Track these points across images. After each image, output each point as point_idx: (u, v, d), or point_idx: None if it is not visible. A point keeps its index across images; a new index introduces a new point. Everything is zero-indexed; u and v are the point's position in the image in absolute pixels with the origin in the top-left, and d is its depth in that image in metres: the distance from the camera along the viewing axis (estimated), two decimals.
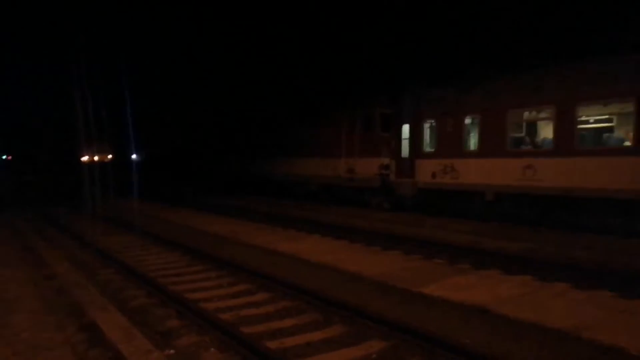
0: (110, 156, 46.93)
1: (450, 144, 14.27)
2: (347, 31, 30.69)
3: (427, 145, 15.29)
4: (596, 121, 11.90)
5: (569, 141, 11.34)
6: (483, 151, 13.39)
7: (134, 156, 37.55)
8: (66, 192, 30.65)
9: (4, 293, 6.96)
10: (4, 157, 57.61)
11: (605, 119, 11.83)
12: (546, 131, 12.47)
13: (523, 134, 13.23)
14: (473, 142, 14.04)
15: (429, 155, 15.02)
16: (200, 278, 8.22)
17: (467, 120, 13.99)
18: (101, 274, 8.54)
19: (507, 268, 7.95)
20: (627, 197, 10.30)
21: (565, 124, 11.42)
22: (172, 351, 5.04)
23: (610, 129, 11.77)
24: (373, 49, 28.94)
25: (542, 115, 12.37)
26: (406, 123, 15.96)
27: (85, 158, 46.74)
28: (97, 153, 45.46)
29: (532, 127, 13.11)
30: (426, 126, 15.29)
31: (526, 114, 12.77)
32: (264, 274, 7.81)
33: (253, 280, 7.78)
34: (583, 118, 11.62)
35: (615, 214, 10.71)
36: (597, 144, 11.64)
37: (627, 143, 10.76)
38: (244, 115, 30.98)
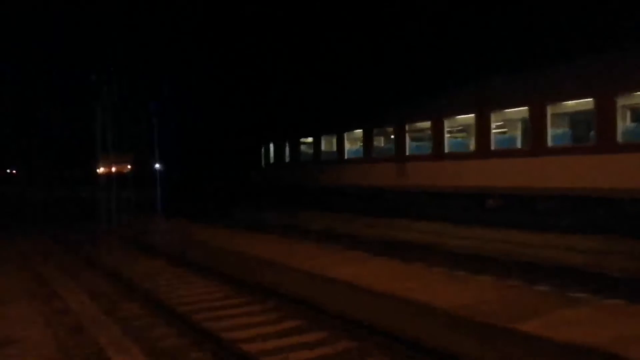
0: (129, 166, 49.29)
1: None
2: None
3: None
4: None
5: None
6: None
7: (157, 165, 39.26)
8: (80, 210, 32.26)
9: (9, 333, 7.42)
10: (8, 170, 61.18)
11: None
12: None
13: None
14: None
15: None
16: (241, 313, 8.54)
17: None
18: (123, 309, 8.99)
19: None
20: None
21: None
22: None
23: None
24: None
25: None
26: None
27: (101, 170, 49.32)
28: (115, 163, 47.96)
29: None
30: None
31: None
32: (317, 307, 8.03)
33: (304, 315, 8.01)
34: None
35: None
36: None
37: None
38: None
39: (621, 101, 14.37)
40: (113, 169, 48.48)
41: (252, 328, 7.73)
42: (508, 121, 18.55)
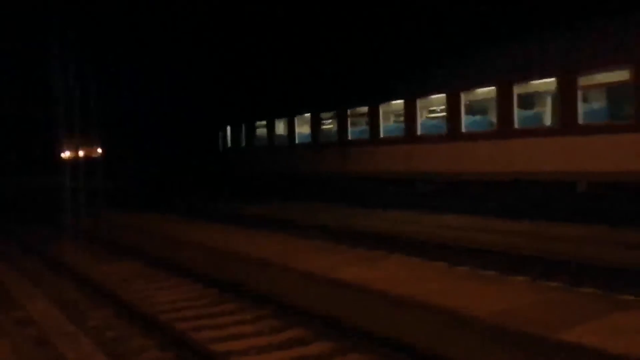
0: (99, 150, 48.28)
1: None
2: None
3: None
4: None
5: None
6: None
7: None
8: (42, 202, 31.73)
9: None
10: None
11: None
12: None
13: None
14: None
15: None
16: (233, 321, 8.12)
17: None
18: (95, 317, 8.54)
19: None
20: None
21: None
22: None
23: None
24: None
25: None
26: None
27: (66, 154, 48.03)
28: (82, 146, 46.83)
29: None
30: None
31: None
32: (322, 315, 7.57)
33: (307, 324, 7.57)
34: None
35: None
36: None
37: None
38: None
39: (517, 89, 16.47)
40: (81, 153, 47.58)
41: (246, 338, 7.27)
42: (436, 108, 20.53)
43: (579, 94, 14.93)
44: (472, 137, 18.05)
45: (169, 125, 41.11)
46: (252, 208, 24.29)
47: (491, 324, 6.78)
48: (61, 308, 8.74)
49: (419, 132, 20.01)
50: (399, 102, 21.16)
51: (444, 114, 19.31)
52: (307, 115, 26.13)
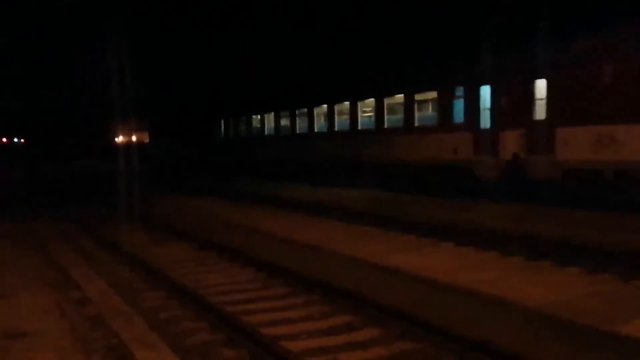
0: (147, 136, 49.95)
1: None
2: None
3: None
4: None
5: None
6: None
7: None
8: (98, 185, 32.70)
9: (24, 324, 7.31)
10: (15, 140, 62.68)
11: None
12: None
13: None
14: None
15: None
16: (283, 306, 8.28)
17: None
18: (148, 299, 8.85)
19: None
20: None
21: None
22: None
23: None
24: None
25: None
26: None
27: (120, 139, 49.47)
28: (136, 131, 48.52)
29: None
30: None
31: None
32: (372, 302, 7.68)
33: (356, 310, 7.69)
34: None
35: None
36: None
37: None
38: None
39: (417, 97, 22.80)
40: (133, 139, 49.13)
41: (296, 323, 7.46)
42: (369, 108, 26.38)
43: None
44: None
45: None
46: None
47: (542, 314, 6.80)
48: (116, 289, 9.06)
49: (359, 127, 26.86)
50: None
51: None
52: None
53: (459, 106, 20.50)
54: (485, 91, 19.18)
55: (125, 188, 26.93)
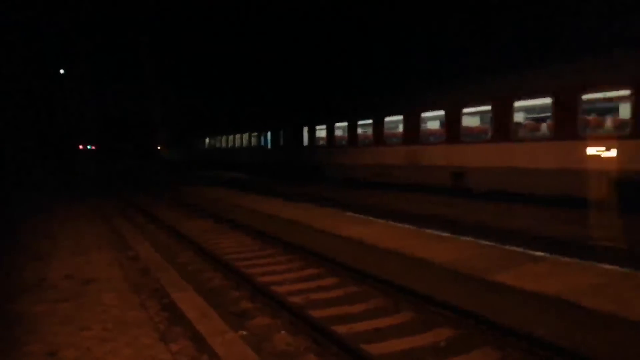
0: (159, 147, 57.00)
1: None
2: None
3: None
4: None
5: None
6: None
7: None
8: (148, 179, 32.52)
9: (96, 274, 7.51)
10: (89, 147, 62.41)
11: None
12: None
13: None
14: None
15: None
16: (272, 262, 8.47)
17: None
18: (181, 256, 9.05)
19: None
20: None
21: None
22: (244, 332, 5.28)
23: None
24: None
25: None
26: None
27: (158, 147, 53.12)
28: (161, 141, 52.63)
29: None
30: None
31: None
32: (332, 259, 7.89)
33: (322, 265, 7.91)
34: None
35: None
36: None
37: None
38: None
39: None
40: (158, 147, 53.80)
41: (281, 274, 7.68)
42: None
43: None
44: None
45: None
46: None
47: (444, 268, 7.00)
48: (158, 250, 9.23)
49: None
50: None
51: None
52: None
53: None
54: None
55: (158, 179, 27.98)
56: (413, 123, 17.99)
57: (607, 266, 6.94)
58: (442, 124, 17.61)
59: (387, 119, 19.82)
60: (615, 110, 13.14)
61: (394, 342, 4.98)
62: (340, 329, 5.22)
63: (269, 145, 30.79)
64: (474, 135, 16.06)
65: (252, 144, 33.51)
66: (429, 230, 10.24)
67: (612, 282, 6.19)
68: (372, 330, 5.32)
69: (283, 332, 5.34)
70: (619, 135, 11.72)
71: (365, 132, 21.64)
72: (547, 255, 7.64)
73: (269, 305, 6.05)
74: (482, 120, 16.89)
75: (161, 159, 58.72)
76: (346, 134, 22.60)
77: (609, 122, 12.85)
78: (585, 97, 12.43)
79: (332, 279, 7.33)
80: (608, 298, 5.57)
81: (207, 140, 45.30)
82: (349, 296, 6.55)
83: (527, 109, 15.33)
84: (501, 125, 14.30)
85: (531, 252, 7.93)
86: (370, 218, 12.21)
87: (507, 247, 8.37)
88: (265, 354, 4.78)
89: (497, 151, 14.43)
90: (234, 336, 4.82)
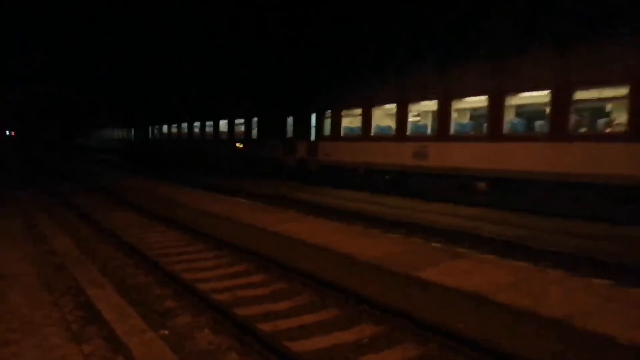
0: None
1: None
2: None
3: None
4: None
5: None
6: None
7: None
8: (70, 169, 30.77)
9: (3, 268, 6.95)
10: (7, 132, 59.06)
11: None
12: None
13: None
14: None
15: None
16: (200, 258, 8.19)
17: None
18: (102, 251, 8.55)
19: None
20: None
21: None
22: (166, 332, 5.05)
23: None
24: None
25: None
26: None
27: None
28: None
29: None
30: None
31: None
32: (261, 255, 7.76)
33: (251, 261, 7.76)
34: None
35: None
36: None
37: None
38: None
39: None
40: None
41: (208, 271, 7.45)
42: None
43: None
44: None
45: None
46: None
47: (371, 264, 7.07)
48: (77, 243, 8.73)
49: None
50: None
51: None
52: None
53: None
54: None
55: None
56: None
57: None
58: None
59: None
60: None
61: (318, 339, 4.95)
62: (265, 327, 5.13)
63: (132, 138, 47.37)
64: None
65: (124, 137, 50.29)
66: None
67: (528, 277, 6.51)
68: (296, 327, 5.27)
69: (206, 330, 5.17)
70: None
71: None
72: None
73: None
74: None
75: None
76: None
77: None
78: None
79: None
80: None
81: (101, 132, 58.99)
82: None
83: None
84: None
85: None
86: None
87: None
88: (185, 354, 4.59)
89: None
90: (153, 336, 4.60)
